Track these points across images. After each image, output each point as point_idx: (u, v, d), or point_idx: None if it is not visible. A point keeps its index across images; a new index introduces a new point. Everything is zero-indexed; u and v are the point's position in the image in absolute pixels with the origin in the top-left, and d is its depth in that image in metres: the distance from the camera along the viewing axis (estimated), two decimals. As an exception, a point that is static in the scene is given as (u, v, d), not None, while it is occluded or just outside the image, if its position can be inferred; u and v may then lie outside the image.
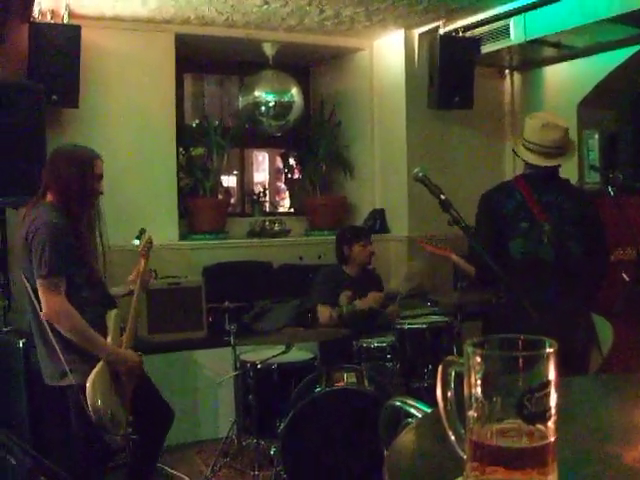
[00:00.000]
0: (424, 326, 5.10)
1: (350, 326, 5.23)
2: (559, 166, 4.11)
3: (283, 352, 4.85)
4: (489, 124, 7.87)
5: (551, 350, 0.97)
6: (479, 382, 0.98)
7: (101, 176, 3.82)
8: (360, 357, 5.10)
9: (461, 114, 7.40)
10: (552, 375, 0.97)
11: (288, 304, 5.84)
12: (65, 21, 5.91)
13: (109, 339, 3.70)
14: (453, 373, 1.05)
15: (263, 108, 7.45)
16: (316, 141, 7.86)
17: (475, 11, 6.62)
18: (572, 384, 1.70)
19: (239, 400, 5.26)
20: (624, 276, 5.43)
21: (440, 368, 1.05)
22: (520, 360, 0.96)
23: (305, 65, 8.43)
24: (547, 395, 0.96)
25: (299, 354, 5.18)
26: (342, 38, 7.46)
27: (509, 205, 4.01)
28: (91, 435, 3.57)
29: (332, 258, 5.97)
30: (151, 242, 4.30)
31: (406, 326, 5.09)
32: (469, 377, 1.00)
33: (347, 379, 4.63)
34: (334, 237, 5.96)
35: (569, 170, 4.68)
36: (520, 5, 6.29)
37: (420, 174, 3.08)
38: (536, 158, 4.02)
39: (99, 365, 3.55)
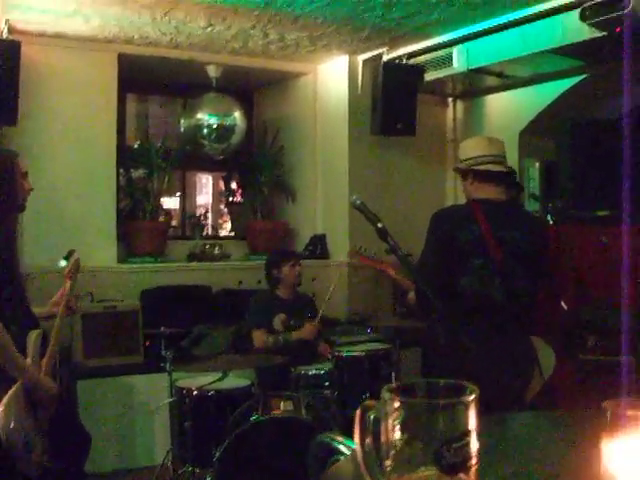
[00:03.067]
0: (362, 354, 5.07)
1: (285, 354, 5.19)
2: (519, 194, 4.00)
3: (219, 379, 4.79)
4: (431, 151, 7.92)
5: (472, 397, 0.94)
6: (397, 429, 0.94)
7: (26, 173, 3.69)
8: (298, 384, 5.05)
9: (404, 141, 7.41)
10: (472, 424, 0.93)
11: (226, 329, 5.78)
12: (4, 36, 5.78)
13: (28, 360, 3.56)
14: (372, 418, 1.01)
15: (205, 130, 7.38)
16: (258, 165, 7.83)
17: (419, 39, 6.65)
18: (504, 421, 1.68)
19: (174, 427, 5.16)
20: (562, 304, 5.48)
21: (358, 413, 1.01)
22: (439, 408, 0.92)
23: (249, 89, 8.41)
24: (467, 445, 0.93)
25: (236, 381, 5.11)
26: (286, 62, 7.47)
27: (464, 238, 3.75)
28: (3, 461, 3.42)
29: (270, 283, 5.92)
30: (78, 265, 4.16)
31: (344, 354, 5.06)
32: (386, 423, 0.96)
33: (284, 407, 4.58)
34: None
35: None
36: (463, 34, 6.34)
37: (358, 202, 3.04)
38: (487, 166, 3.85)
39: (15, 387, 3.40)
